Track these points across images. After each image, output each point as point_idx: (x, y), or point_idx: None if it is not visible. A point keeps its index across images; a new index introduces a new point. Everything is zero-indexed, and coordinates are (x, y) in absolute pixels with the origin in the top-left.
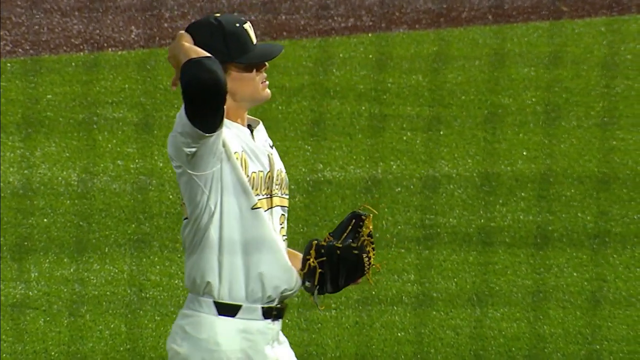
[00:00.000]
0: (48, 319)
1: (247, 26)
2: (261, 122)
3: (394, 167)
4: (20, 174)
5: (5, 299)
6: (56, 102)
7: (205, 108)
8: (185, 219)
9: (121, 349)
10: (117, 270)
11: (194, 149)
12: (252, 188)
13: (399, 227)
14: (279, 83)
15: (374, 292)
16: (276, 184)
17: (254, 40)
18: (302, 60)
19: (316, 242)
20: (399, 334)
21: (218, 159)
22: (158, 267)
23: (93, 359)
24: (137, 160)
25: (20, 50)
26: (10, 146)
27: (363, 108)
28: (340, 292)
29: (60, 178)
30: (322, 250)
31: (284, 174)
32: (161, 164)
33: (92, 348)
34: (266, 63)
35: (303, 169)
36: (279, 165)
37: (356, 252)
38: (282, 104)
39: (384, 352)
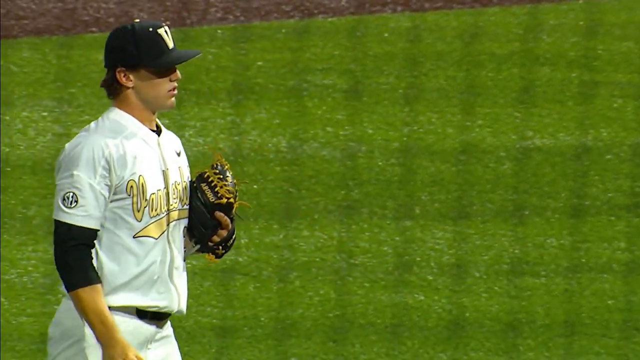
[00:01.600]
0: (258, 285)
1: (162, 31)
2: (170, 132)
3: (604, 134)
4: (231, 140)
5: (216, 265)
6: (266, 68)
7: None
8: None
9: (330, 315)
10: (326, 237)
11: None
12: (152, 209)
13: (609, 194)
14: (488, 50)
15: (583, 260)
16: (173, 198)
17: (170, 45)
18: (511, 27)
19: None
20: (608, 302)
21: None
22: (367, 233)
23: (302, 325)
24: (346, 127)
25: (231, 17)
26: (220, 112)
27: (573, 75)
28: (550, 259)
29: (270, 144)
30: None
31: (180, 186)
32: (370, 131)
33: (301, 314)
34: (178, 73)
35: (513, 136)
36: (174, 178)
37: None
38: (491, 71)
39: (594, 320)
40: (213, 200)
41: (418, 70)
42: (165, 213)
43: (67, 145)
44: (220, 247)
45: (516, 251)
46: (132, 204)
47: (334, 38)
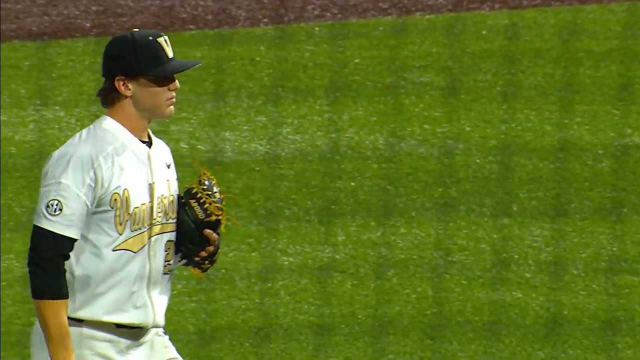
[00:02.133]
0: (355, 282)
1: (162, 40)
2: (162, 142)
3: None
4: (328, 137)
5: (313, 262)
6: (364, 66)
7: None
8: None
9: (428, 312)
10: (423, 234)
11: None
12: (133, 223)
13: None
14: (587, 47)
15: None
16: (157, 212)
17: (170, 55)
18: (610, 24)
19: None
20: None
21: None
22: (465, 231)
23: (400, 322)
24: (443, 124)
25: (328, 14)
26: (318, 110)
27: None
28: None
29: (367, 142)
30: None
31: (167, 200)
32: (468, 128)
33: (398, 312)
34: (177, 82)
35: (611, 134)
36: (160, 191)
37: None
38: (590, 69)
39: None
40: (202, 217)
41: (516, 67)
42: (147, 227)
43: (55, 152)
44: (207, 262)
45: (614, 249)
46: (115, 216)
47: (432, 35)
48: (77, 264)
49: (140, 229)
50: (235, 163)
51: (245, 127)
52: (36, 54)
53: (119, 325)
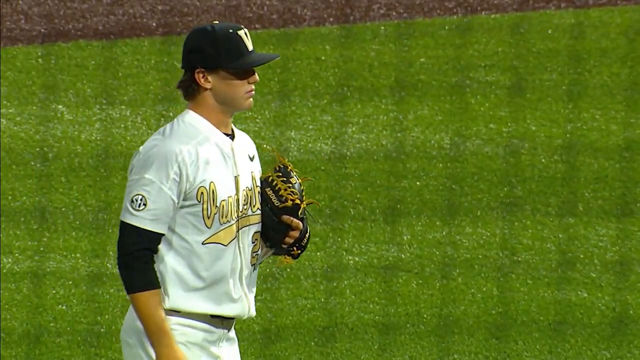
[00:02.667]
0: (420, 281)
1: (242, 33)
2: (245, 134)
3: None
4: (393, 137)
5: (378, 261)
6: (429, 65)
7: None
8: None
9: (493, 312)
10: (489, 234)
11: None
12: (222, 216)
13: None
14: None
15: None
16: (243, 205)
17: (249, 47)
18: None
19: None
20: None
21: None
22: (530, 230)
23: (465, 322)
24: (509, 124)
25: (393, 13)
26: (383, 109)
27: None
28: None
29: (432, 141)
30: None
31: (252, 192)
32: (534, 128)
33: (464, 311)
34: (256, 76)
35: None
36: (245, 183)
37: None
38: None
39: None
40: (278, 204)
41: (582, 66)
42: (235, 220)
43: (141, 147)
44: (295, 248)
45: None
46: (202, 210)
47: (497, 34)
48: (170, 259)
49: (229, 221)
50: (300, 162)
51: (310, 127)
52: (102, 53)
53: (214, 316)
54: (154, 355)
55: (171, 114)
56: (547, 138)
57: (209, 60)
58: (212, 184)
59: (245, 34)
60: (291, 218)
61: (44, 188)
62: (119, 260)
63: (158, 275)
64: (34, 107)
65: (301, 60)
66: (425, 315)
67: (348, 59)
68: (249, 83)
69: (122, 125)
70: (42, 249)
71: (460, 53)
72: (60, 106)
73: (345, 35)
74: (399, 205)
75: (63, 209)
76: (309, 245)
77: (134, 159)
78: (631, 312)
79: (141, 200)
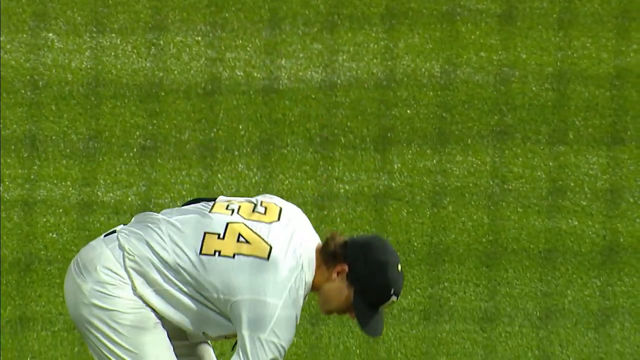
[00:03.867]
0: (411, 210)
1: (395, 298)
2: None
3: None
4: (384, 65)
5: (369, 190)
6: None
7: None
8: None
9: (483, 240)
10: (479, 162)
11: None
12: None
13: None
14: None
15: None
16: None
17: (385, 309)
18: None
19: None
20: None
21: None
22: (520, 158)
23: (455, 250)
24: (500, 52)
25: None
26: (374, 37)
27: None
28: None
29: (423, 69)
30: None
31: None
32: (524, 56)
33: (454, 239)
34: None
35: None
36: None
37: None
38: None
39: None
40: None
41: None
42: None
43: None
44: None
45: None
46: None
47: None
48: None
49: None
50: (291, 91)
51: (301, 55)
52: None
53: None
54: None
55: (161, 42)
56: (537, 66)
57: (356, 277)
58: None
59: (394, 302)
60: None
61: (35, 116)
62: None
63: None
64: (24, 35)
65: None
66: (415, 244)
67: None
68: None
69: (113, 54)
70: (32, 177)
71: None
72: (50, 34)
73: None
74: (389, 134)
75: (53, 137)
76: (299, 174)
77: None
78: (621, 240)
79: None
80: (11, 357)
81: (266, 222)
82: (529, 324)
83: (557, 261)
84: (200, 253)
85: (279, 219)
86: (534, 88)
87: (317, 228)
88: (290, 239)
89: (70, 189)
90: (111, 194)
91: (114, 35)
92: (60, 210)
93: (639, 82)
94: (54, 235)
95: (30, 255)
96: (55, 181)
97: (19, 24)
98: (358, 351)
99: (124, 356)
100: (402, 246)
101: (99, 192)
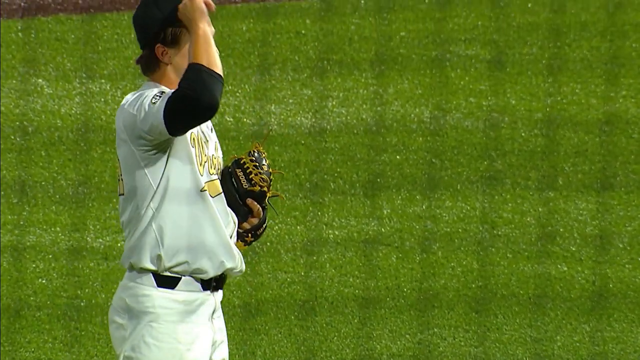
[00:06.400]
0: (400, 255)
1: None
2: None
3: None
4: (373, 110)
5: (358, 235)
6: (409, 38)
7: (191, 121)
8: (121, 195)
9: (473, 286)
10: (469, 208)
11: (150, 137)
12: (211, 167)
13: None
14: (633, 20)
15: None
16: (214, 169)
17: None
18: None
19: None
20: None
21: (168, 145)
22: (510, 204)
23: (445, 296)
24: (489, 98)
25: None
26: (363, 83)
27: None
28: None
29: (412, 115)
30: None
31: (216, 160)
32: (514, 102)
33: (444, 285)
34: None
35: None
36: (211, 151)
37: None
38: (636, 42)
39: None
40: (246, 187)
41: (562, 40)
42: (216, 177)
43: (125, 104)
44: (250, 235)
45: None
46: (195, 156)
47: (477, 8)
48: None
49: (215, 174)
50: (280, 136)
51: (290, 101)
52: (82, 27)
53: (205, 286)
54: (146, 336)
55: None
56: (527, 112)
57: (156, 24)
58: (199, 134)
59: None
60: (255, 203)
61: (24, 162)
62: (185, 92)
63: (155, 237)
64: (14, 81)
65: (281, 34)
66: (405, 289)
67: (328, 32)
68: None
69: (102, 99)
70: (22, 222)
71: (440, 27)
72: (40, 80)
73: (326, 8)
74: (379, 179)
75: (43, 183)
76: (289, 219)
77: (126, 109)
78: (611, 285)
79: (159, 95)
80: None
81: None
82: None
83: (546, 307)
84: None
85: None
86: (523, 134)
87: (306, 274)
88: None
89: (60, 234)
90: (101, 240)
91: (103, 81)
92: (50, 256)
93: (628, 127)
94: (44, 281)
95: (20, 301)
96: (44, 227)
97: (8, 70)
98: None
99: None
100: (391, 292)
101: (88, 238)
